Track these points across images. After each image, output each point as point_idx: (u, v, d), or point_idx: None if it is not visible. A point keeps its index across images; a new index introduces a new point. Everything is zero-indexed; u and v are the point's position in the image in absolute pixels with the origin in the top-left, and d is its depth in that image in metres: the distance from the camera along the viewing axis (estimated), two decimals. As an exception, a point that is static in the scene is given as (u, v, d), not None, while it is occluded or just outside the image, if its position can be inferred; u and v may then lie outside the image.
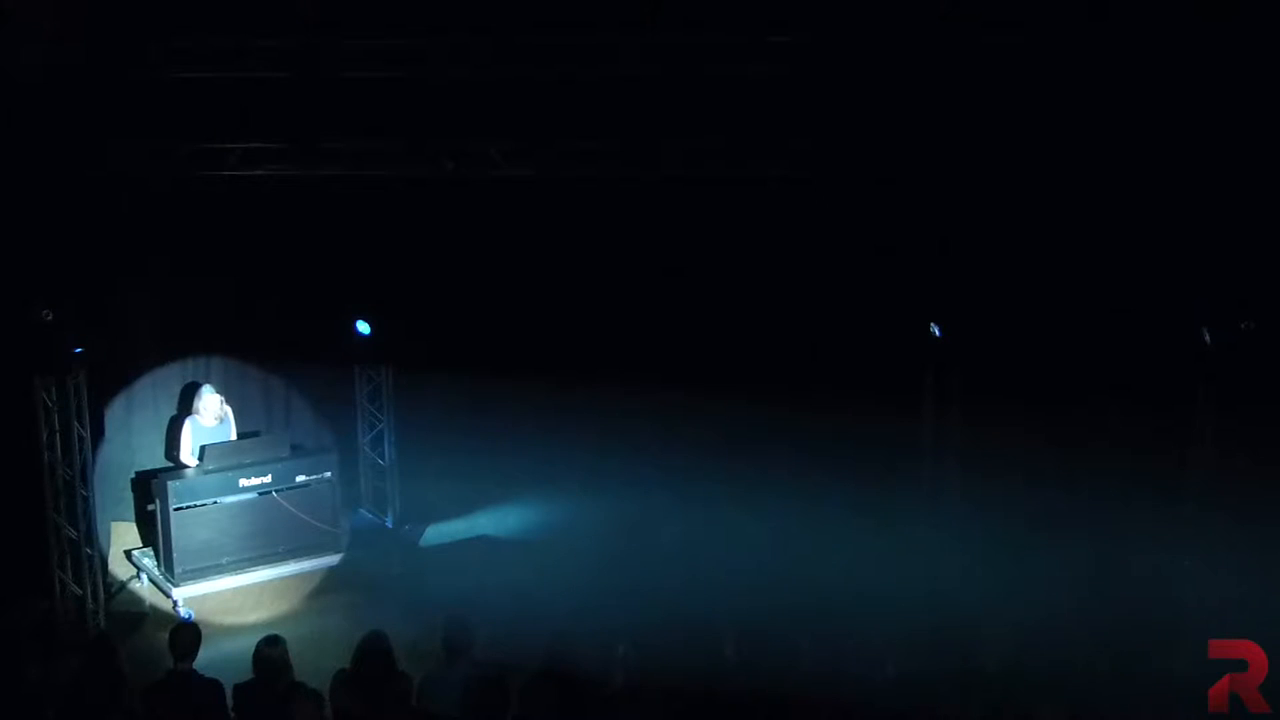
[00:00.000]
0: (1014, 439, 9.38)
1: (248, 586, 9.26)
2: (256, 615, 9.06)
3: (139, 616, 9.21)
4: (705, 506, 10.07)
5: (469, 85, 8.97)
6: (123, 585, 9.56)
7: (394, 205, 9.79)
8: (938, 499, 10.06)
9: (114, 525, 9.86)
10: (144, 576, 9.46)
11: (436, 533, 10.65)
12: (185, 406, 9.84)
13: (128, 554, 9.69)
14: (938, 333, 9.72)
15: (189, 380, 10.07)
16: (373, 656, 6.15)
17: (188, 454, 9.46)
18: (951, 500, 9.96)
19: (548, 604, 8.58)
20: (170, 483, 8.99)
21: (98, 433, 9.25)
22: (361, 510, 10.71)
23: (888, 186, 9.37)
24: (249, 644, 6.25)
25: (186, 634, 6.37)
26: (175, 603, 9.01)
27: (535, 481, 10.74)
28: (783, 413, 10.02)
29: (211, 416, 9.61)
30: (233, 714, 6.16)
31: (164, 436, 9.98)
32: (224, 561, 9.17)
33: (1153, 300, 9.28)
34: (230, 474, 9.19)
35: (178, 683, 6.22)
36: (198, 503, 9.07)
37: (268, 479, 9.27)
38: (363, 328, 10.06)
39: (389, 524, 10.62)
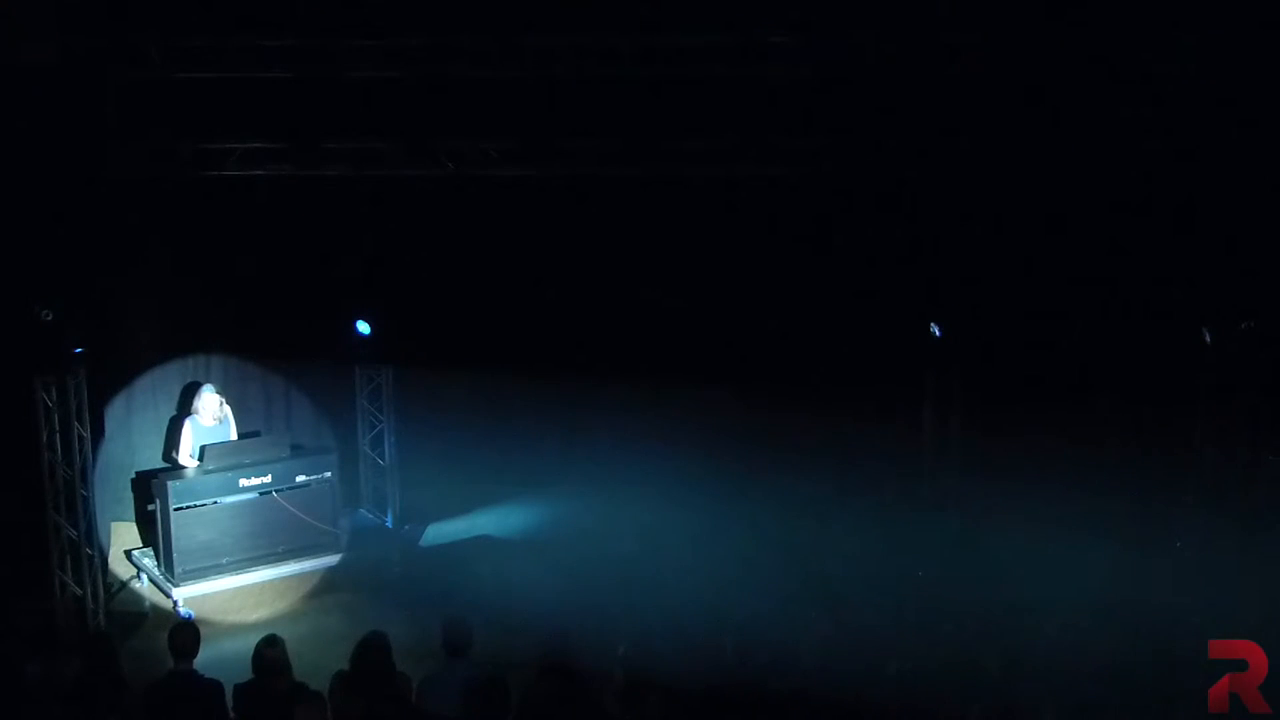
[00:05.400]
0: (1014, 439, 9.38)
1: (248, 586, 9.25)
2: (256, 615, 9.06)
3: (139, 616, 9.19)
4: (706, 505, 10.06)
5: (469, 85, 8.99)
6: (123, 585, 9.55)
7: (394, 205, 9.80)
8: (938, 499, 10.05)
9: (114, 525, 9.84)
10: (144, 576, 9.45)
11: (436, 533, 10.64)
12: (185, 406, 9.83)
13: (128, 554, 9.68)
14: (938, 333, 9.72)
15: (189, 380, 10.06)
16: (372, 656, 6.14)
17: (186, 454, 9.45)
18: (952, 500, 9.96)
19: (548, 604, 8.56)
20: (170, 483, 8.98)
21: (98, 433, 9.23)
22: (361, 510, 10.70)
23: (888, 187, 9.38)
24: (249, 644, 6.24)
25: (186, 634, 6.35)
26: (175, 603, 9.00)
27: (535, 481, 10.74)
28: (784, 412, 10.04)
29: (210, 416, 9.59)
30: (233, 714, 6.15)
31: (164, 437, 9.97)
32: (224, 561, 9.15)
33: (1153, 300, 9.29)
34: (230, 474, 9.18)
35: (178, 683, 6.21)
36: (198, 503, 9.05)
37: (268, 479, 9.26)
38: (363, 328, 10.05)
39: (389, 524, 10.61)
